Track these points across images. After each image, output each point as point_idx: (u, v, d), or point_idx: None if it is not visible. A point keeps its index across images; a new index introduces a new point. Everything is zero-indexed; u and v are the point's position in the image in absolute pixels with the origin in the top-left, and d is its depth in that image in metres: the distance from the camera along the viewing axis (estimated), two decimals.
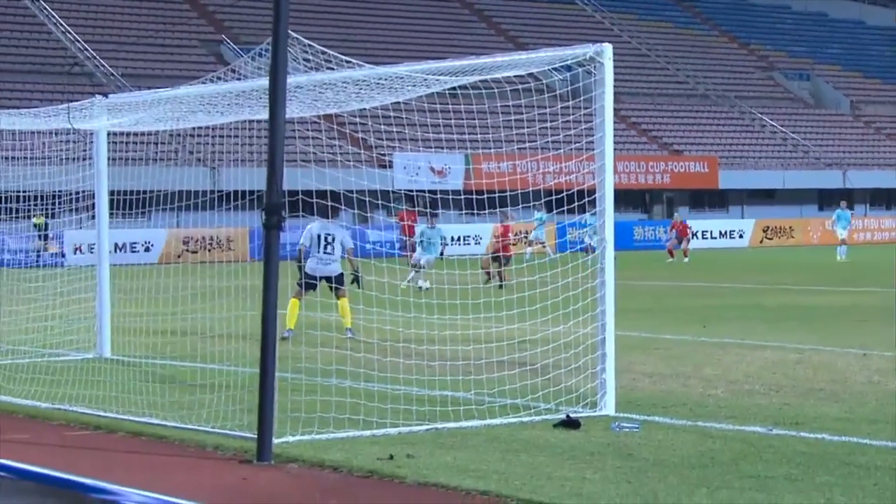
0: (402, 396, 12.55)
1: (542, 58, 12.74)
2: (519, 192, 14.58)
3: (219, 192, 19.32)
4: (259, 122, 14.63)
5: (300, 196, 13.50)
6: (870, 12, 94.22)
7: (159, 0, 68.22)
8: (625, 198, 62.26)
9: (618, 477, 9.42)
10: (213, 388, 12.83)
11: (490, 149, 15.07)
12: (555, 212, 15.10)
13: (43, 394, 13.63)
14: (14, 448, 10.92)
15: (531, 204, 14.52)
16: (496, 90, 13.37)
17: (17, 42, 61.96)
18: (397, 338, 16.09)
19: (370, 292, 15.14)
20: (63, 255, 36.85)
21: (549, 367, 13.61)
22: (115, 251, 38.26)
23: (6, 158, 18.84)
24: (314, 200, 13.67)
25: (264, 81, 12.24)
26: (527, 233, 47.98)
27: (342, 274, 19.68)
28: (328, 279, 19.65)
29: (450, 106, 14.66)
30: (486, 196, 15.41)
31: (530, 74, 13.20)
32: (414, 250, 32.55)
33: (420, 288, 27.63)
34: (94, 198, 17.74)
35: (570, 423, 11.45)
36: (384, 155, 47.74)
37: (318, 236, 19.55)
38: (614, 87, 12.42)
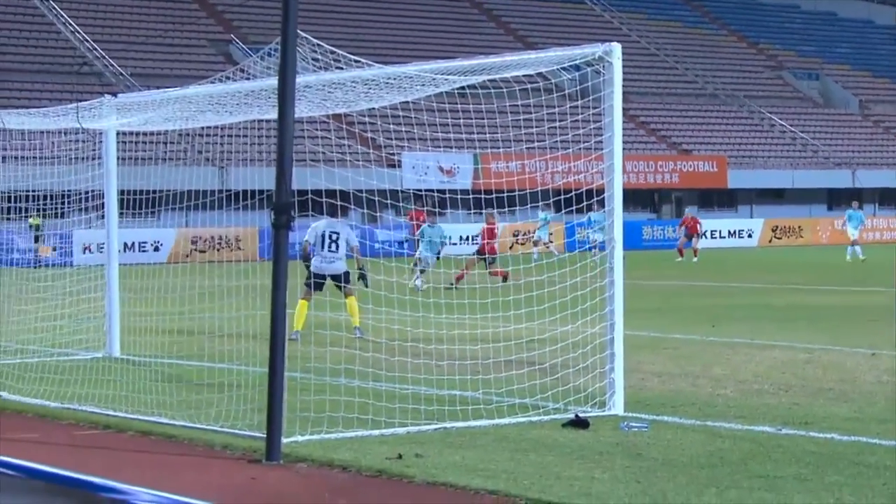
0: (410, 396, 12.54)
1: (550, 57, 12.75)
2: (528, 191, 14.56)
3: (228, 191, 19.30)
4: (268, 121, 14.63)
5: (309, 195, 13.52)
6: (879, 12, 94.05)
7: (168, 0, 68.29)
8: (634, 197, 62.17)
9: (627, 476, 9.41)
10: (222, 388, 12.83)
11: (499, 148, 15.03)
12: (563, 211, 15.09)
13: (52, 393, 13.65)
14: (23, 447, 10.94)
15: (539, 204, 14.51)
16: (505, 90, 13.37)
17: (27, 42, 62.05)
18: (406, 337, 16.10)
19: (379, 292, 15.14)
20: (54, 257, 36.73)
21: (557, 366, 13.60)
22: (125, 251, 38.32)
23: (16, 158, 18.85)
24: (323, 200, 13.68)
25: (273, 81, 12.25)
26: (532, 233, 47.89)
27: (348, 272, 19.65)
28: (335, 277, 19.64)
29: (458, 105, 14.65)
30: (494, 195, 15.40)
31: (539, 74, 13.20)
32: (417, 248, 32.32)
33: (416, 288, 26.79)
34: (103, 197, 17.77)
35: (579, 423, 11.44)
36: (393, 154, 47.69)
37: (324, 234, 19.54)
38: (623, 86, 12.43)
